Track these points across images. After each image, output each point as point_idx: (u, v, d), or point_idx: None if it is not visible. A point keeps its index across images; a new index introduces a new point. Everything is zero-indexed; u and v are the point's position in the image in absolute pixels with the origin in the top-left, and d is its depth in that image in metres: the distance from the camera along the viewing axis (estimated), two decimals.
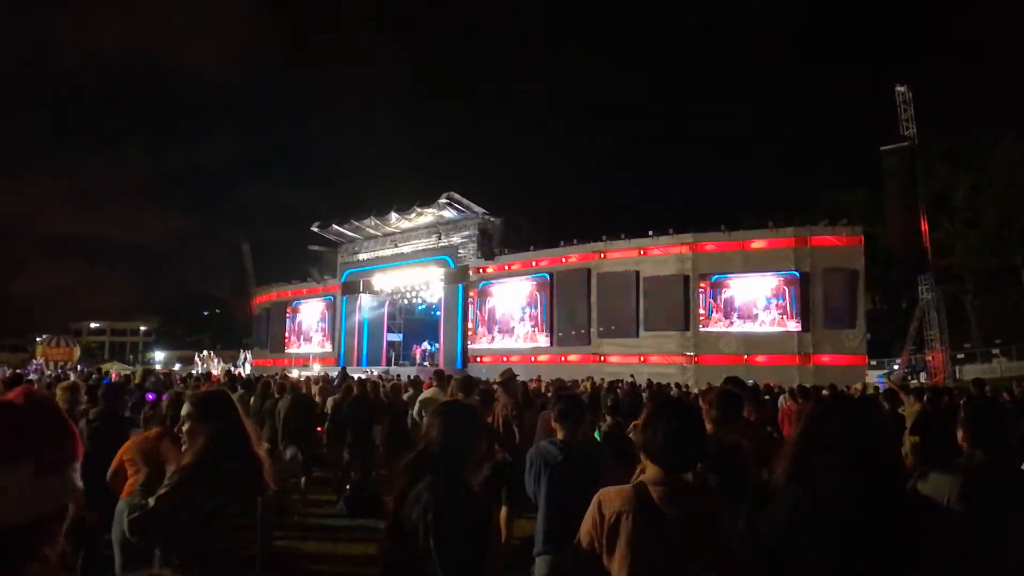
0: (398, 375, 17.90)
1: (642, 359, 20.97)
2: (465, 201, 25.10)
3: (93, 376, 13.42)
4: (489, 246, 25.57)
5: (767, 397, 10.55)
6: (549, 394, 8.21)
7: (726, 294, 20.59)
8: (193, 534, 2.13)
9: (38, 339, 36.34)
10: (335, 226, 29.13)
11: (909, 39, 66.50)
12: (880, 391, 10.02)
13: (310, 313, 32.15)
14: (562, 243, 24.18)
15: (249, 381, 10.41)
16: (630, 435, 3.96)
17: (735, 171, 77.12)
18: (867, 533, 1.64)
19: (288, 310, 33.12)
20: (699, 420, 2.12)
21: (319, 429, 8.21)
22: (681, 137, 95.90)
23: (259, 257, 37.97)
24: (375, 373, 18.66)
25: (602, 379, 14.78)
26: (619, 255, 22.58)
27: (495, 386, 6.63)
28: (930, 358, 22.30)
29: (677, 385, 14.76)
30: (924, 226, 21.64)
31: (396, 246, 28.51)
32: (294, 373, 18.93)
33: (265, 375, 12.22)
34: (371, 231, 29.12)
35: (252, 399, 8.37)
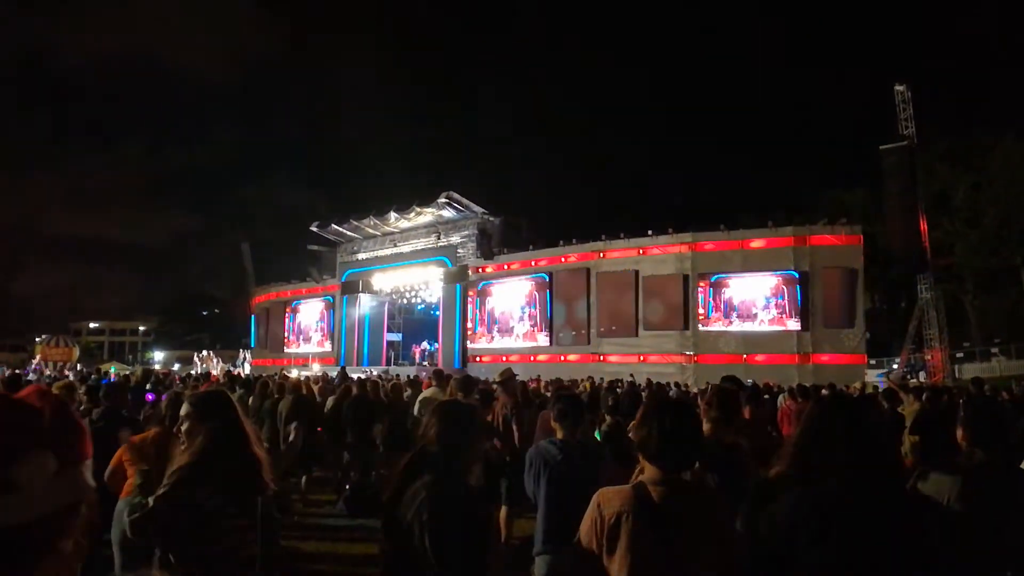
0: (397, 375, 17.89)
1: (641, 359, 20.98)
2: (464, 201, 25.11)
3: (92, 376, 13.40)
4: (488, 246, 25.57)
5: (766, 396, 10.55)
6: (548, 394, 8.21)
7: (725, 293, 20.61)
8: (192, 534, 2.13)
9: (37, 339, 36.26)
10: (334, 226, 29.15)
11: (909, 39, 66.50)
12: (879, 390, 10.02)
13: (309, 313, 32.15)
14: (561, 243, 24.19)
15: (248, 381, 10.41)
16: (630, 435, 3.96)
17: (734, 171, 77.12)
18: (867, 533, 1.64)
19: (288, 310, 33.12)
20: (695, 419, 2.12)
21: (319, 429, 8.20)
22: (681, 137, 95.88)
23: (259, 257, 37.98)
24: (375, 373, 18.66)
25: (601, 379, 14.81)
26: (618, 255, 22.59)
27: (494, 386, 6.62)
28: (929, 357, 22.30)
29: (677, 385, 14.77)
30: (923, 225, 21.64)
31: (395, 246, 28.52)
32: (294, 373, 18.91)
33: (264, 375, 12.22)
34: (370, 231, 29.12)
35: (251, 399, 8.37)
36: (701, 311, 20.71)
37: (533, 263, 24.53)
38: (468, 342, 25.74)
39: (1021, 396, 10.23)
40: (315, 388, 10.55)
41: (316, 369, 24.31)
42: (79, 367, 27.67)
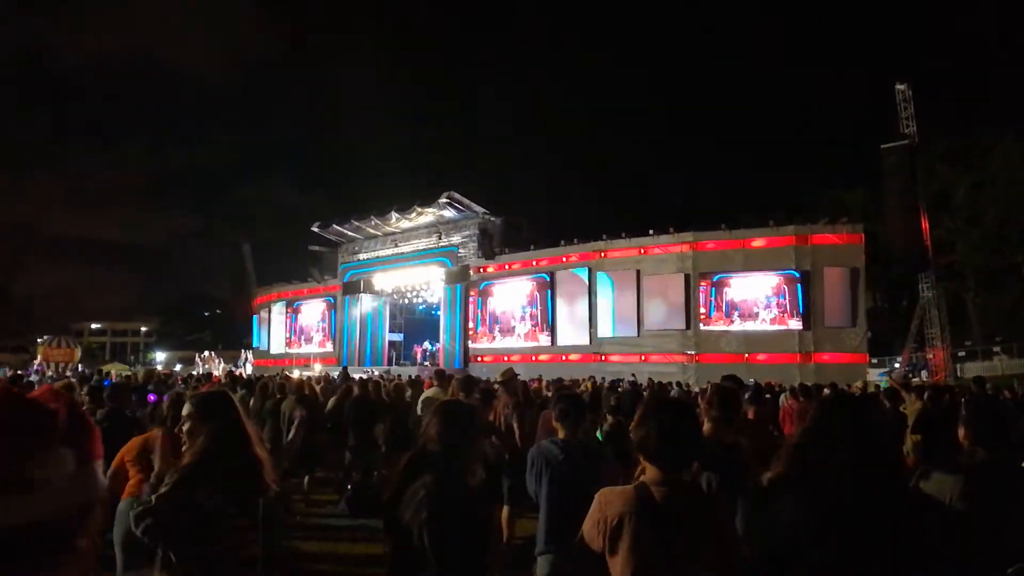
0: (399, 375, 17.89)
1: (643, 358, 20.97)
2: (465, 201, 25.11)
3: (94, 377, 13.41)
4: (489, 246, 25.58)
5: (768, 396, 10.54)
6: (550, 394, 8.20)
7: (727, 293, 20.59)
8: (192, 534, 2.13)
9: (39, 340, 36.28)
10: (335, 226, 29.16)
11: (909, 38, 66.44)
12: (881, 389, 10.01)
13: (311, 313, 32.17)
14: (562, 242, 24.19)
15: (250, 381, 10.41)
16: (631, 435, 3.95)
17: (735, 170, 77.12)
18: (869, 532, 1.64)
19: (289, 310, 33.15)
20: (694, 419, 2.12)
21: (322, 433, 8.20)
22: (681, 137, 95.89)
23: (260, 257, 38.07)
24: (376, 373, 18.67)
25: (603, 378, 14.79)
26: (619, 254, 22.58)
27: (496, 386, 6.62)
28: (931, 356, 22.28)
29: (678, 384, 14.75)
30: (925, 224, 21.62)
31: (396, 246, 28.53)
32: (295, 373, 18.92)
33: (266, 375, 12.23)
34: (371, 231, 29.13)
35: (252, 400, 8.38)
36: (702, 310, 20.69)
37: (534, 263, 24.54)
38: (469, 342, 25.75)
39: (1023, 395, 10.21)
40: (317, 388, 10.56)
41: (318, 369, 24.32)
42: (80, 368, 27.70)
